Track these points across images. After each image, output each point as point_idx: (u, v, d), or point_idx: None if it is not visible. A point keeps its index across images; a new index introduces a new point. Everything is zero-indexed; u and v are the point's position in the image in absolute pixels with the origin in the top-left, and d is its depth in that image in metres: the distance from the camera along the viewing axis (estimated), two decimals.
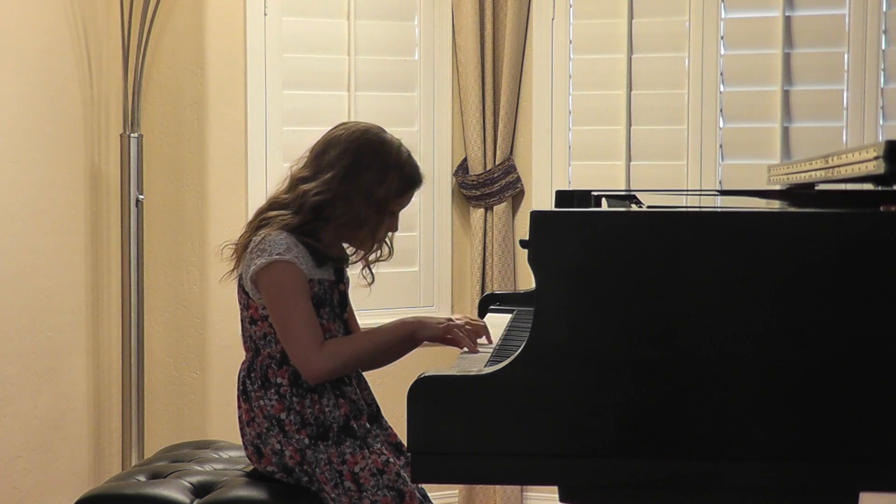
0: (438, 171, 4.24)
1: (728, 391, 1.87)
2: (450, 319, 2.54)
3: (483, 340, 2.56)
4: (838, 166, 2.18)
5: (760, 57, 4.05)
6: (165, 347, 3.96)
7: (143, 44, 3.69)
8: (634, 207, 2.34)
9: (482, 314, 3.03)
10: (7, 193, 3.41)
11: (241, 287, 2.55)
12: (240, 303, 2.57)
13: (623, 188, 4.08)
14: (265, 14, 3.98)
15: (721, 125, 4.08)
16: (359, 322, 2.72)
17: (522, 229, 4.21)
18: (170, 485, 2.52)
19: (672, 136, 4.12)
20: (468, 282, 4.28)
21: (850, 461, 1.89)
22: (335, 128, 2.61)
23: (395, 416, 2.68)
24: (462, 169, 4.24)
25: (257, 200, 2.67)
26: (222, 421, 3.91)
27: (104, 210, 3.79)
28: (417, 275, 4.24)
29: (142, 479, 2.59)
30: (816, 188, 2.84)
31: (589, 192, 2.99)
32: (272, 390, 2.50)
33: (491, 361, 2.25)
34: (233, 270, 2.59)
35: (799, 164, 2.64)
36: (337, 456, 2.47)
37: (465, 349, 2.47)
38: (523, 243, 3.48)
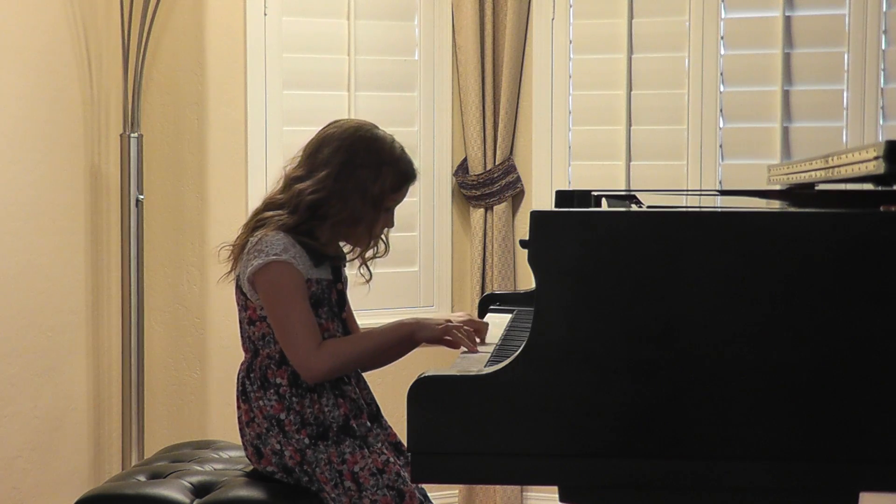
0: (438, 171, 4.24)
1: (728, 391, 1.87)
2: (449, 321, 2.54)
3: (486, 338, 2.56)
4: (838, 166, 2.18)
5: (760, 57, 4.05)
6: (165, 347, 3.96)
7: (143, 44, 3.68)
8: (634, 207, 2.33)
9: (482, 314, 3.03)
10: (7, 193, 3.42)
11: (238, 288, 2.56)
12: (238, 304, 2.57)
13: (623, 188, 4.08)
14: (265, 14, 3.98)
15: (721, 125, 4.08)
16: (358, 322, 2.72)
17: (522, 229, 4.21)
18: (170, 485, 2.52)
19: (672, 136, 4.12)
20: (468, 282, 4.28)
21: (850, 461, 1.89)
22: (327, 126, 2.62)
23: (395, 416, 2.68)
24: (462, 169, 4.24)
25: (257, 201, 2.67)
26: (222, 421, 3.91)
27: (104, 210, 3.79)
28: (417, 275, 4.24)
29: (142, 479, 2.59)
30: (816, 188, 2.84)
31: (589, 192, 2.98)
32: (271, 391, 2.50)
33: (491, 361, 2.25)
34: (230, 272, 2.59)
35: (799, 164, 2.64)
36: (337, 456, 2.47)
37: (465, 349, 2.47)
38: (523, 243, 3.48)
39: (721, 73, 4.06)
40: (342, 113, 4.02)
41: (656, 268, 1.88)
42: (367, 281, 2.67)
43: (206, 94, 3.94)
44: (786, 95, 4.01)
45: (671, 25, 4.11)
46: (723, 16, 4.06)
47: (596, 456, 1.91)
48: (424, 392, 1.92)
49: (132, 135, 3.72)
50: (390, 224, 2.62)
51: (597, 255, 1.89)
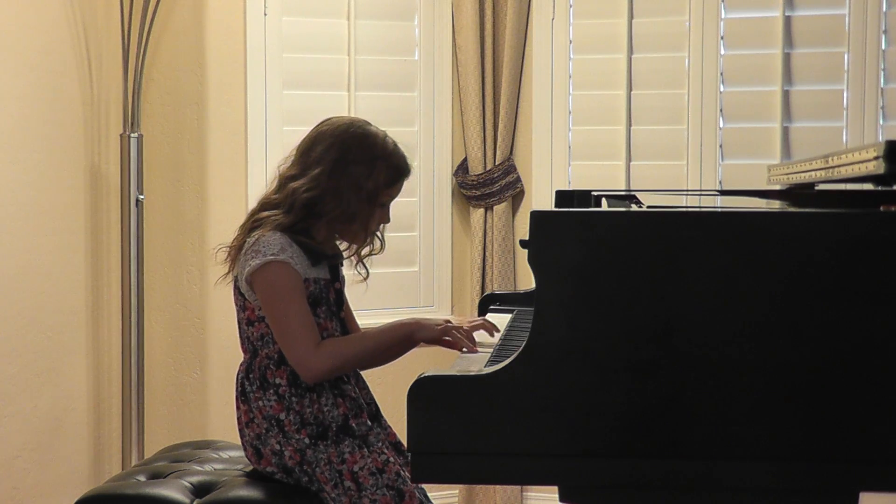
0: (438, 171, 4.24)
1: (728, 391, 1.87)
2: (448, 321, 2.54)
3: (486, 337, 2.56)
4: (838, 166, 2.18)
5: (760, 57, 4.05)
6: (165, 347, 3.96)
7: (143, 44, 3.68)
8: (634, 207, 2.33)
9: (482, 314, 3.03)
10: (7, 193, 3.42)
11: (236, 289, 2.55)
12: (236, 304, 2.57)
13: (623, 188, 4.08)
14: (265, 14, 3.98)
15: (721, 125, 4.08)
16: (358, 322, 2.72)
17: (522, 229, 4.21)
18: (170, 485, 2.52)
19: (672, 136, 4.12)
20: (468, 282, 4.28)
21: (850, 461, 1.89)
22: (320, 124, 2.62)
23: (395, 415, 2.68)
24: (462, 169, 4.24)
25: (257, 200, 2.67)
26: (222, 421, 3.91)
27: (104, 210, 3.79)
28: (417, 275, 4.24)
29: (142, 479, 2.59)
30: (816, 188, 2.84)
31: (589, 192, 2.98)
32: (271, 391, 2.50)
33: (491, 361, 2.25)
34: (227, 273, 2.59)
35: (799, 164, 2.64)
36: (336, 455, 2.47)
37: (465, 350, 2.47)
38: (523, 243, 3.48)
39: (721, 73, 4.07)
40: (342, 113, 4.02)
41: (656, 268, 1.88)
42: (365, 279, 2.67)
43: (206, 94, 3.94)
44: (786, 95, 4.01)
45: (671, 25, 4.11)
46: (723, 16, 4.06)
47: (596, 456, 1.91)
48: (424, 392, 1.92)
49: (132, 135, 3.72)
50: (386, 220, 2.62)
51: (597, 255, 1.89)
